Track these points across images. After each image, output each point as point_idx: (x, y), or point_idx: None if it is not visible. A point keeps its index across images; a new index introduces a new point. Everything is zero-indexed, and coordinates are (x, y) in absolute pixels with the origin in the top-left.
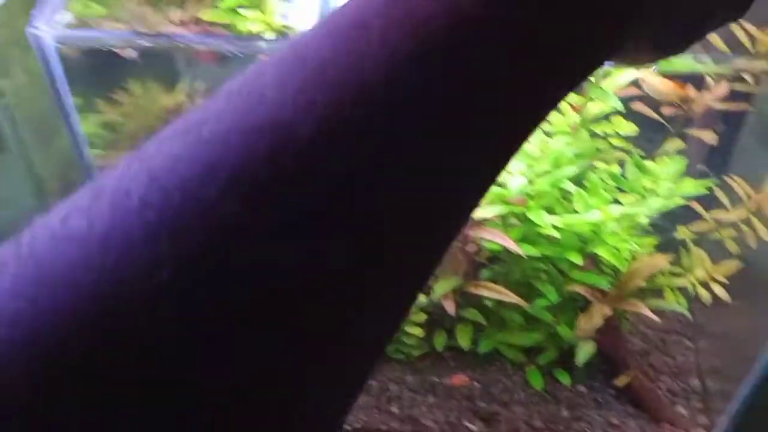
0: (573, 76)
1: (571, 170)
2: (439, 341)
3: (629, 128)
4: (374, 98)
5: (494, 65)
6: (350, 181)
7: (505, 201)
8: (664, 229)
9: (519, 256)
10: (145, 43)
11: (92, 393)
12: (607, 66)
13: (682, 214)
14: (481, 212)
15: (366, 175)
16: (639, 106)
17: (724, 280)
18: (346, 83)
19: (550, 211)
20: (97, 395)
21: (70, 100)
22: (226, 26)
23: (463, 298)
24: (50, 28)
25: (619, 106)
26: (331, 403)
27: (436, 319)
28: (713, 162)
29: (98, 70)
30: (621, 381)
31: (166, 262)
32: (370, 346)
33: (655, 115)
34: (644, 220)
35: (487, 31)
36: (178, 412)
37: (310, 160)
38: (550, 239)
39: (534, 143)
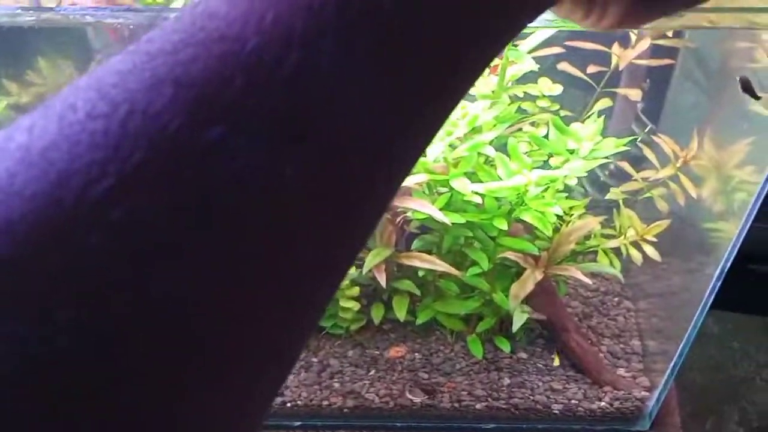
0: (495, 37)
1: (491, 135)
2: (377, 314)
3: (554, 89)
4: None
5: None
6: (298, 94)
7: (427, 169)
8: (597, 191)
9: (448, 225)
10: (28, 18)
11: (27, 302)
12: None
13: (617, 176)
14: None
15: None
16: (565, 66)
17: (654, 239)
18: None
19: (474, 177)
20: (34, 305)
21: None
22: None
23: (399, 269)
24: None
25: (534, 68)
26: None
27: (372, 292)
28: (643, 120)
29: (4, 49)
30: (556, 359)
31: (110, 170)
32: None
33: (580, 74)
34: (572, 183)
35: None
36: (116, 325)
37: (257, 77)
38: (476, 206)
39: None
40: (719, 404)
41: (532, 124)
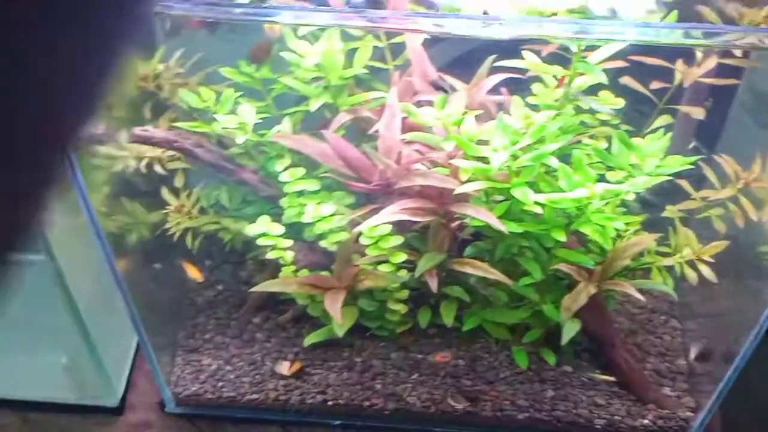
0: None
1: (555, 146)
2: (424, 318)
3: (616, 102)
4: None
5: None
6: None
7: (488, 177)
8: (653, 207)
9: (503, 233)
10: None
11: None
12: (592, 38)
13: (672, 192)
14: (463, 187)
15: None
16: (628, 80)
17: (711, 260)
18: None
19: (535, 187)
20: None
21: None
22: None
23: (448, 274)
24: None
25: (603, 78)
26: None
27: (421, 296)
28: (703, 138)
29: None
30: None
31: None
32: None
33: (643, 89)
34: (631, 198)
35: None
36: None
37: None
38: (534, 216)
39: (517, 118)
40: None
41: (591, 136)
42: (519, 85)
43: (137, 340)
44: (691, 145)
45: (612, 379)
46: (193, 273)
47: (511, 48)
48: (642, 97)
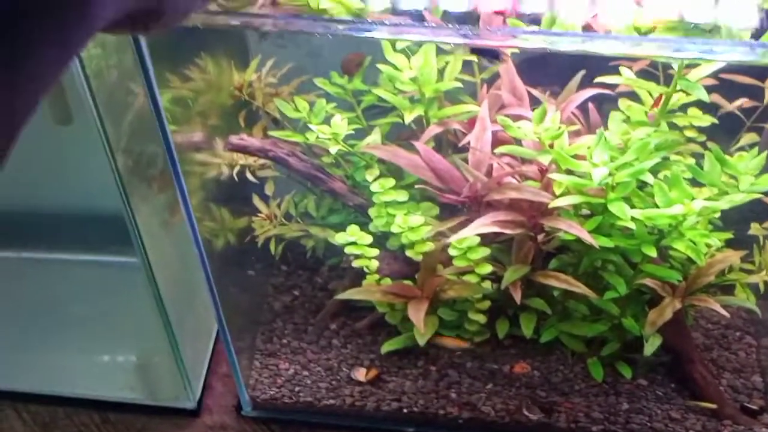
0: None
1: (652, 162)
2: (502, 329)
3: (707, 120)
4: None
5: None
6: None
7: (581, 191)
8: (735, 224)
9: (589, 247)
10: (235, 23)
11: None
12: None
13: (753, 209)
14: (558, 201)
15: None
16: (716, 98)
17: None
18: None
19: (629, 202)
20: None
21: (155, 82)
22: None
23: (529, 286)
24: None
25: (705, 98)
26: None
27: (499, 307)
28: None
29: (172, 44)
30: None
31: None
32: None
33: (731, 108)
34: (715, 215)
35: None
36: None
37: None
38: (623, 231)
39: (616, 133)
40: None
41: (679, 153)
42: (605, 99)
43: (213, 343)
44: None
45: (713, 406)
46: (454, 342)
47: (590, 59)
48: (727, 115)
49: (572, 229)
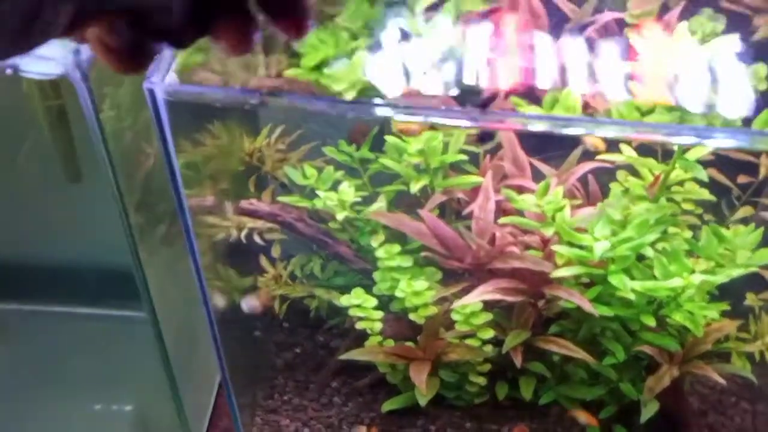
0: None
1: (653, 236)
2: (501, 391)
3: (704, 195)
4: None
5: None
6: None
7: (583, 263)
8: (729, 294)
9: (589, 314)
10: (253, 101)
11: None
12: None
13: (748, 278)
14: (560, 271)
15: None
16: (713, 173)
17: None
18: None
19: (628, 273)
20: None
21: (174, 151)
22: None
23: (528, 350)
24: (163, 83)
25: (703, 176)
26: None
27: (499, 369)
28: None
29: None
30: None
31: None
32: None
33: (729, 183)
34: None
35: None
36: None
37: None
38: (623, 300)
39: (617, 209)
40: None
41: (675, 225)
42: (602, 170)
43: (215, 397)
44: None
45: None
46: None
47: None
48: (724, 189)
49: (573, 298)
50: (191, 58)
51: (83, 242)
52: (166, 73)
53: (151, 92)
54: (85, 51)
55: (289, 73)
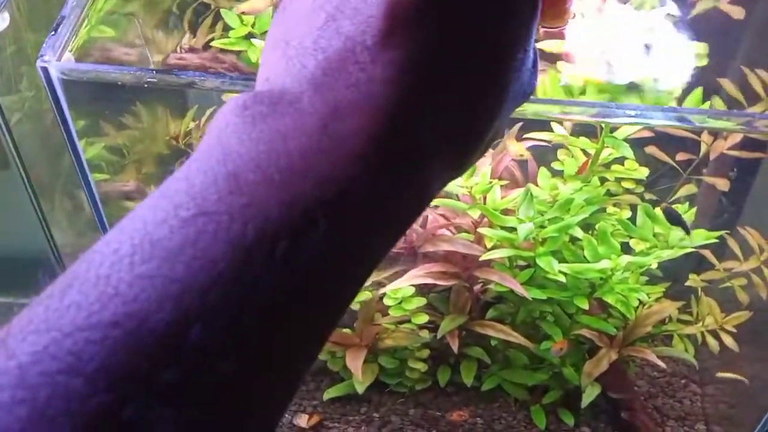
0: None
1: (580, 217)
2: (443, 376)
3: (641, 173)
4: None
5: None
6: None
7: (513, 245)
8: (675, 275)
9: (526, 298)
10: (151, 79)
11: None
12: (621, 122)
13: (694, 259)
14: (488, 254)
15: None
16: (653, 150)
17: (733, 330)
18: (194, 274)
19: (559, 255)
20: None
21: (74, 132)
22: (237, 54)
23: (468, 335)
24: (57, 61)
25: (630, 155)
26: None
27: (440, 355)
28: (725, 209)
29: (107, 92)
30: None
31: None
32: None
33: (668, 160)
34: (654, 266)
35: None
36: None
37: (163, 349)
38: (557, 283)
39: (544, 189)
40: None
41: (615, 204)
42: (545, 149)
43: None
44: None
45: None
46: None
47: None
48: (666, 166)
49: (505, 281)
50: (100, 32)
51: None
52: (61, 51)
53: (45, 71)
54: None
55: (217, 43)
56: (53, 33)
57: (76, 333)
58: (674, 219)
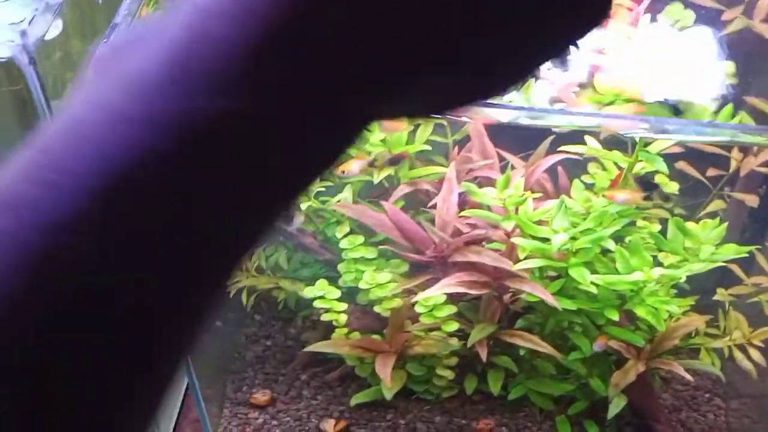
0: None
1: (612, 229)
2: (470, 385)
3: (672, 187)
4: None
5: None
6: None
7: (546, 255)
8: (703, 289)
9: (555, 308)
10: None
11: None
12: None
13: (722, 274)
14: (522, 264)
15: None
16: (683, 165)
17: (760, 344)
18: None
19: (591, 266)
20: None
21: None
22: None
23: (496, 344)
24: None
25: (664, 169)
26: None
27: (468, 363)
28: (754, 225)
29: None
30: None
31: None
32: None
33: (698, 175)
34: (682, 279)
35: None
36: None
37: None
38: (588, 294)
39: (578, 200)
40: None
41: (645, 218)
42: (574, 162)
43: (185, 387)
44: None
45: None
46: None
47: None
48: (696, 182)
49: (536, 291)
50: None
51: None
52: None
53: None
54: (33, 34)
55: None
56: (106, 40)
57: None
58: (648, 186)
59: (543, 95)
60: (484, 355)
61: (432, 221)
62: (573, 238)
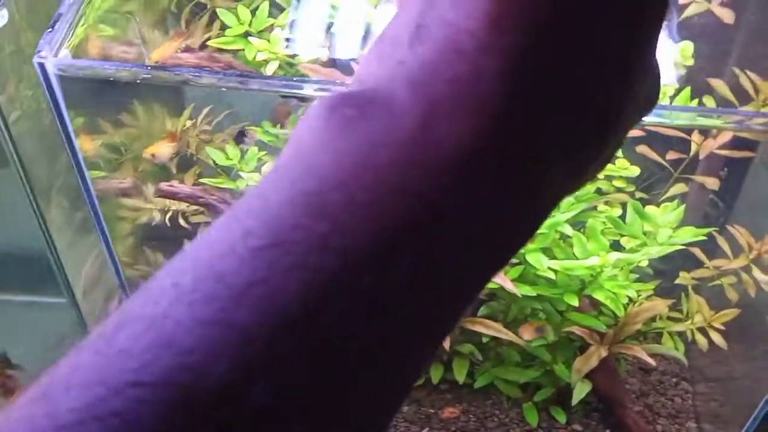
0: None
1: (569, 214)
2: (436, 374)
3: (632, 171)
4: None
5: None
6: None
7: None
8: (666, 273)
9: (516, 295)
10: (146, 75)
11: None
12: None
13: (685, 257)
14: None
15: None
16: (643, 149)
17: (722, 327)
18: (261, 320)
19: (549, 252)
20: None
21: (72, 129)
22: (234, 53)
23: (460, 332)
24: (54, 57)
25: (618, 152)
26: None
27: None
28: (715, 208)
29: (105, 90)
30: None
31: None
32: None
33: (659, 158)
34: (644, 263)
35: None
36: None
37: (220, 412)
38: (548, 280)
39: None
40: None
41: (606, 202)
42: None
43: None
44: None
45: None
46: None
47: None
48: (657, 165)
49: (495, 278)
50: (97, 32)
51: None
52: (58, 48)
53: (42, 67)
54: None
55: (214, 42)
56: (50, 30)
57: (123, 390)
58: (240, 136)
59: None
60: (447, 343)
61: None
62: None
